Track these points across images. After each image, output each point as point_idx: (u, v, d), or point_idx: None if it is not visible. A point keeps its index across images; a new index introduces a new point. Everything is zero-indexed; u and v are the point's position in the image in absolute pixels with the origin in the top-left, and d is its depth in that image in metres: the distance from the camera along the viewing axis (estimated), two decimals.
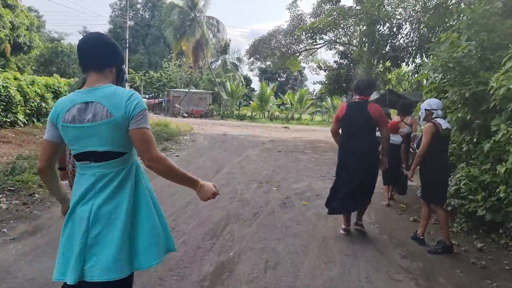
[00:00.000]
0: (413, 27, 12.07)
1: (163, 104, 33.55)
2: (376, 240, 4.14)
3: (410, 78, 14.04)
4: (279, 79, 47.20)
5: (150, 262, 1.61)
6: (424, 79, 11.08)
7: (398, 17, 10.83)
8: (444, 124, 3.73)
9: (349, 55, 12.26)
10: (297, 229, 4.38)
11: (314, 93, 46.68)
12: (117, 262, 1.51)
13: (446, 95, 4.70)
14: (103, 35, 1.69)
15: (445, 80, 4.74)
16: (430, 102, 3.89)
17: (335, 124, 4.28)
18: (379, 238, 4.22)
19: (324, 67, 13.32)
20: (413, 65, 13.53)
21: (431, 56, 5.86)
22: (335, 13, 11.93)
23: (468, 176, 4.01)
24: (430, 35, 12.11)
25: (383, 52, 11.27)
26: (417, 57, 12.57)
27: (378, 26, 11.03)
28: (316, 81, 13.58)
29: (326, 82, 11.80)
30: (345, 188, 4.06)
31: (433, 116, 3.81)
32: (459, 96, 3.98)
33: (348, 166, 4.07)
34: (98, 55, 1.61)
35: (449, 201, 4.66)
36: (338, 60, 12.62)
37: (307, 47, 19.77)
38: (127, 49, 22.94)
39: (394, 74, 14.30)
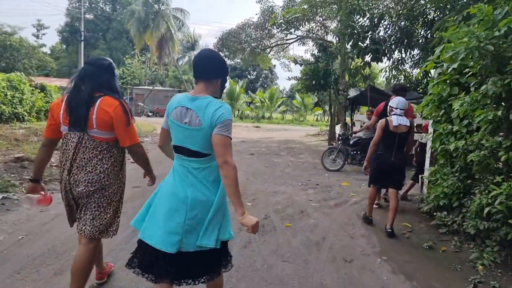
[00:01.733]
0: (392, 19, 11.29)
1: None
2: (392, 286, 3.02)
3: (388, 74, 13.33)
4: (249, 76, 46.01)
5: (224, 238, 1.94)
6: (426, 71, 10.29)
7: (380, 7, 9.94)
8: (395, 121, 4.14)
9: (328, 47, 11.26)
10: (284, 270, 3.18)
11: (285, 91, 46.04)
12: (206, 235, 1.84)
13: (472, 86, 3.68)
14: (215, 52, 1.98)
15: (467, 69, 3.73)
16: (394, 101, 4.29)
17: (375, 117, 5.45)
18: (394, 280, 3.11)
19: (300, 61, 12.27)
20: (391, 60, 12.81)
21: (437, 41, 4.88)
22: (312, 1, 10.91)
23: (509, 194, 2.99)
24: (409, 28, 11.38)
25: (363, 45, 10.34)
26: (396, 51, 11.80)
27: (358, 17, 10.10)
28: (291, 77, 12.50)
29: (303, 77, 10.79)
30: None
31: (392, 113, 4.26)
32: (501, 87, 2.95)
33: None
34: (208, 68, 1.86)
35: (473, 222, 3.66)
36: (316, 53, 11.59)
37: (279, 42, 18.69)
38: (82, 42, 20.78)
39: (366, 71, 13.49)
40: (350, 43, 10.62)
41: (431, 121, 5.21)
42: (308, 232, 4.20)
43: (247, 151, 11.52)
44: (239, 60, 29.16)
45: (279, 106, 36.63)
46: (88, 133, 2.16)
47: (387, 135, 4.21)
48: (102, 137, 2.19)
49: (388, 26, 11.57)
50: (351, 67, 10.72)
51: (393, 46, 10.37)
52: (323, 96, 14.95)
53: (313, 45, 13.12)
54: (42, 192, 2.40)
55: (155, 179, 2.67)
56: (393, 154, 4.19)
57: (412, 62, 12.01)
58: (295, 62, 12.07)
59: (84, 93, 2.15)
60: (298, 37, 17.49)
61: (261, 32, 17.33)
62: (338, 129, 13.73)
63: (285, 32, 16.00)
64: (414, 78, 13.45)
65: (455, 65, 4.14)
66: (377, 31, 10.36)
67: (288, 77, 14.29)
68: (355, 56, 10.55)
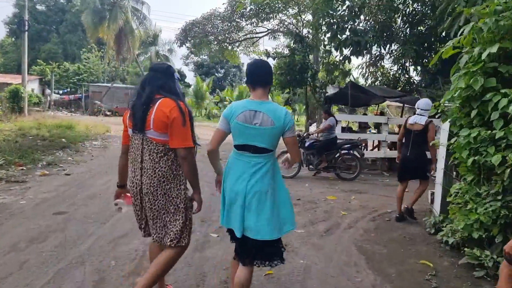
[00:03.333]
0: (372, 11, 10.33)
1: (82, 100, 28.82)
2: None
3: (364, 70, 12.45)
4: (216, 74, 44.40)
5: (289, 228, 2.24)
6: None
7: None
8: (412, 120, 4.49)
9: (305, 38, 10.06)
10: None
11: None
12: (267, 227, 2.11)
13: None
14: (266, 62, 2.36)
15: None
16: (419, 102, 4.55)
17: None
18: None
19: (273, 53, 10.98)
20: (369, 55, 11.95)
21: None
22: None
23: None
24: (389, 21, 10.49)
25: (343, 37, 9.29)
26: (374, 46, 10.84)
27: (336, 5, 9.02)
28: None
29: (277, 72, 9.51)
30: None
31: (416, 112, 4.53)
32: None
33: None
34: (265, 76, 2.22)
35: None
36: (292, 45, 10.34)
37: (248, 36, 17.40)
38: (26, 33, 18.35)
39: (346, 66, 12.40)
40: (328, 35, 9.54)
41: (445, 123, 4.13)
42: (298, 285, 2.93)
43: None
44: (206, 57, 27.68)
45: None
46: (146, 134, 2.15)
47: (405, 132, 4.60)
48: (158, 138, 2.15)
49: (367, 18, 10.63)
50: (329, 61, 9.63)
51: (372, 40, 9.39)
52: (296, 96, 13.80)
53: (286, 36, 11.89)
54: (128, 194, 2.45)
55: (201, 203, 2.34)
56: (409, 150, 4.52)
57: (392, 57, 11.17)
58: (267, 55, 10.78)
59: (144, 95, 2.18)
60: (269, 31, 16.28)
61: (229, 24, 15.94)
62: (313, 129, 12.72)
63: (254, 23, 14.73)
64: (391, 76, 12.66)
65: (494, 49, 3.06)
66: (357, 22, 9.34)
67: None
68: (334, 49, 9.48)
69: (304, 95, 10.36)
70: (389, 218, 4.86)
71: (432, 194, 4.66)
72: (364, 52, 9.78)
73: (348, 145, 7.48)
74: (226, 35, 16.60)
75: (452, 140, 3.52)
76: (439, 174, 4.37)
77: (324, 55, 9.61)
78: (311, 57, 12.15)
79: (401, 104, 10.90)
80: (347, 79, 10.04)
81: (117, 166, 2.37)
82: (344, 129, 9.84)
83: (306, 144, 7.58)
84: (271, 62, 10.12)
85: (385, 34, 10.03)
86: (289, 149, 2.24)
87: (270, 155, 2.18)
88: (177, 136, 2.10)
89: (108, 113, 26.30)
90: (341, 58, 9.57)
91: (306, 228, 4.38)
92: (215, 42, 16.64)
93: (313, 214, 5.00)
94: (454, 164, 3.71)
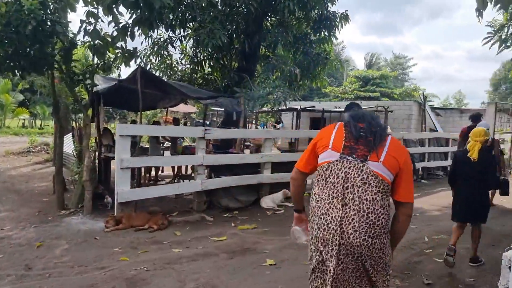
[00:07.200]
0: None
1: None
2: None
3: (145, 59, 8.92)
4: None
5: None
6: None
7: None
8: None
9: None
10: None
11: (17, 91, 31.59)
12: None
13: None
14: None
15: None
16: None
17: (460, 137, 6.99)
18: None
19: None
20: (151, 38, 8.51)
21: None
22: None
23: None
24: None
25: None
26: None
27: None
28: None
29: None
30: None
31: None
32: None
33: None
34: None
35: None
36: None
37: None
38: None
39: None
40: None
41: None
42: None
43: None
44: None
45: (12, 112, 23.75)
46: (368, 164, 1.67)
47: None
48: (385, 176, 1.66)
49: None
50: (97, 33, 5.31)
51: (171, 6, 5.91)
52: (37, 95, 8.42)
53: None
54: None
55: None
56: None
57: (192, 44, 8.08)
58: None
59: (381, 127, 1.81)
60: None
61: None
62: (70, 142, 8.36)
63: None
64: (180, 71, 9.61)
65: None
66: None
67: None
68: (103, 11, 5.31)
69: (51, 86, 5.54)
70: None
71: None
72: (160, 24, 6.14)
73: None
74: None
75: None
76: None
77: (87, 19, 5.18)
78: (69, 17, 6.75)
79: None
80: (132, 64, 6.15)
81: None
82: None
83: None
84: None
85: (182, 7, 6.78)
86: None
87: None
88: (407, 187, 1.72)
89: None
90: (117, 28, 5.51)
91: None
92: None
93: None
94: None
